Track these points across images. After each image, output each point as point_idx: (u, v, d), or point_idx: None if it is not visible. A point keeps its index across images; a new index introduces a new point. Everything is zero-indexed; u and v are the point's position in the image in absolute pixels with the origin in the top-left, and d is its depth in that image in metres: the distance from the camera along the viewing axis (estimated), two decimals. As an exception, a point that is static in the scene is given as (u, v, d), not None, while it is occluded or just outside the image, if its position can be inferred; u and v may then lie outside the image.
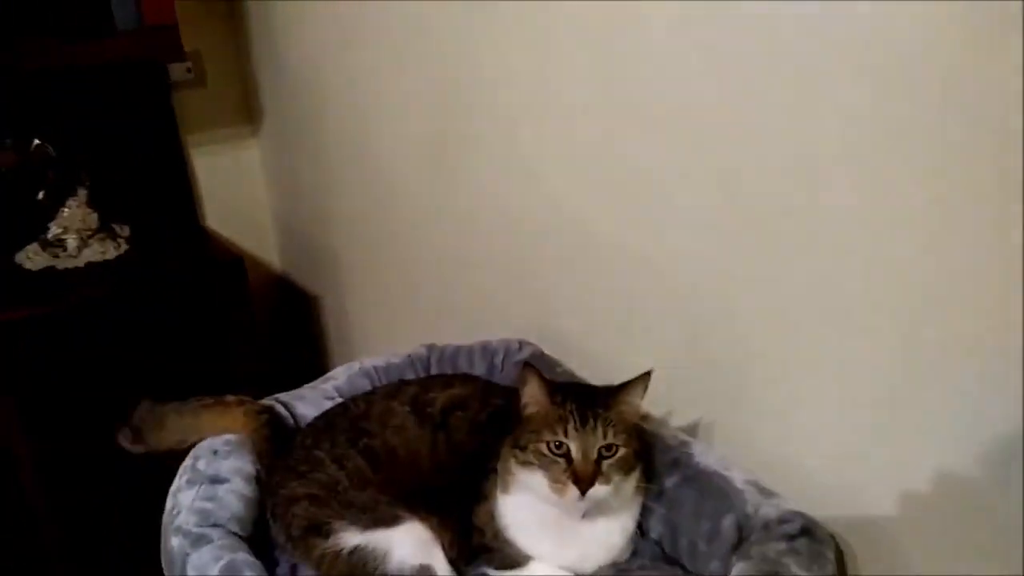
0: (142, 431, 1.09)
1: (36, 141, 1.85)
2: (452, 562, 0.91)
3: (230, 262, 1.82)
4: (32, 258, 1.87)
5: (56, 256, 1.88)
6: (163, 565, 0.94)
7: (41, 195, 1.88)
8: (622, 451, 0.85)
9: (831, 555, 0.82)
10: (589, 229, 1.15)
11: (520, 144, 1.24)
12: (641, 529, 0.97)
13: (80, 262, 1.86)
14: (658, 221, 1.04)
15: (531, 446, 0.86)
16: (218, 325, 1.79)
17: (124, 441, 1.09)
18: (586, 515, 0.89)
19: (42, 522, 1.74)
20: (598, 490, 0.84)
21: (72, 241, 1.89)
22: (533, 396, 0.88)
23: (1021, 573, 0.78)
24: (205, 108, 2.18)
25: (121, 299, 1.73)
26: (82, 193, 1.90)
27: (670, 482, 0.95)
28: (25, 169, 1.88)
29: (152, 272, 1.82)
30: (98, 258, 1.88)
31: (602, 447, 0.85)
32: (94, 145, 1.95)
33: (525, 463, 0.87)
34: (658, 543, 0.96)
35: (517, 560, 0.91)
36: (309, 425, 1.07)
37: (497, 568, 0.92)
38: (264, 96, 2.17)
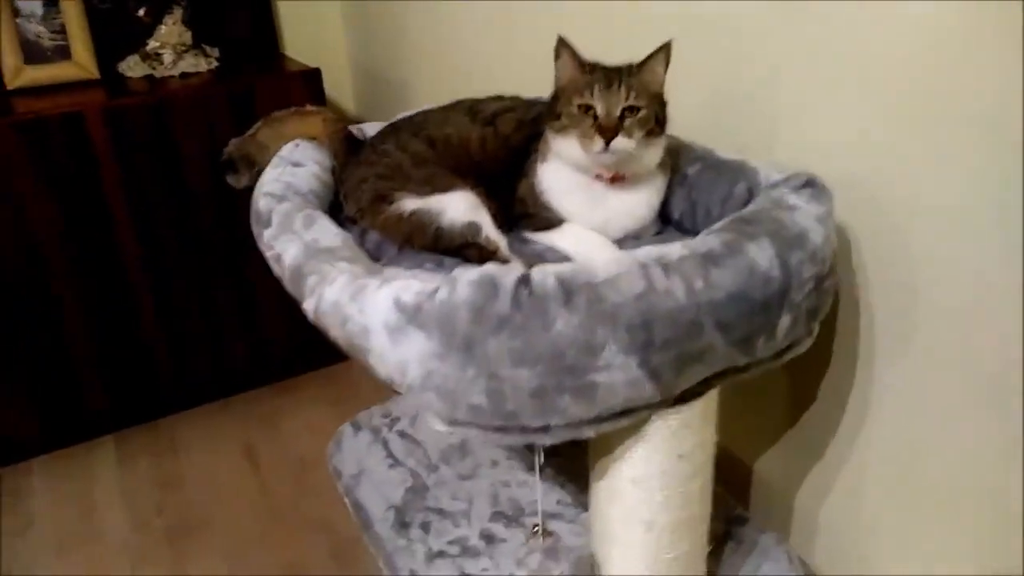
0: (239, 161, 1.21)
1: (138, -41, 2.03)
2: (496, 227, 1.05)
3: (309, 71, 1.98)
4: (133, 67, 2.07)
5: (154, 68, 2.06)
6: (252, 224, 1.10)
7: (142, 11, 2.07)
8: (644, 112, 0.96)
9: (830, 202, 0.92)
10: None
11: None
12: (667, 219, 1.09)
13: (175, 71, 2.05)
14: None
15: (564, 111, 0.98)
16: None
17: (232, 180, 1.21)
18: (615, 181, 1.01)
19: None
20: (620, 142, 0.95)
21: (168, 55, 2.07)
22: (565, 67, 1.00)
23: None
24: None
25: (212, 96, 1.91)
26: (178, 11, 2.09)
27: (692, 170, 1.06)
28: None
29: (239, 78, 1.99)
30: (191, 69, 2.06)
31: (625, 107, 0.95)
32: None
33: (560, 129, 0.99)
34: (679, 223, 1.08)
35: (552, 222, 1.04)
36: (377, 132, 1.21)
37: (535, 230, 1.05)
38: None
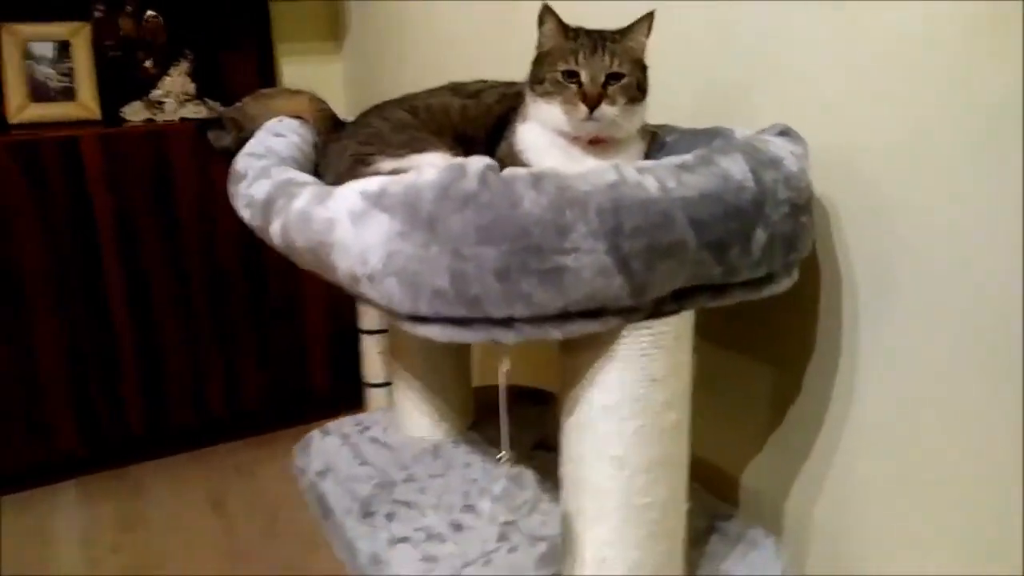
0: (227, 121, 1.24)
1: (150, 12, 2.13)
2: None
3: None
4: (135, 112, 2.13)
5: (155, 114, 2.12)
6: (229, 187, 1.09)
7: (149, 63, 2.15)
8: (627, 79, 0.98)
9: (805, 147, 0.92)
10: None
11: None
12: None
13: (175, 117, 2.10)
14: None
15: (548, 76, 1.00)
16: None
17: (213, 137, 1.23)
18: (594, 143, 1.01)
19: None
20: (604, 110, 0.96)
21: (171, 104, 2.13)
22: (549, 33, 1.02)
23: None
24: (297, 21, 2.45)
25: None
26: (184, 64, 2.17)
27: (671, 139, 1.07)
28: (139, 40, 2.15)
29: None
30: (191, 115, 2.12)
31: (609, 74, 0.97)
32: (197, 36, 2.23)
33: (543, 94, 1.00)
34: (657, 188, 1.07)
35: (530, 181, 1.03)
36: (361, 112, 1.23)
37: (512, 189, 1.04)
38: (351, 15, 2.42)
